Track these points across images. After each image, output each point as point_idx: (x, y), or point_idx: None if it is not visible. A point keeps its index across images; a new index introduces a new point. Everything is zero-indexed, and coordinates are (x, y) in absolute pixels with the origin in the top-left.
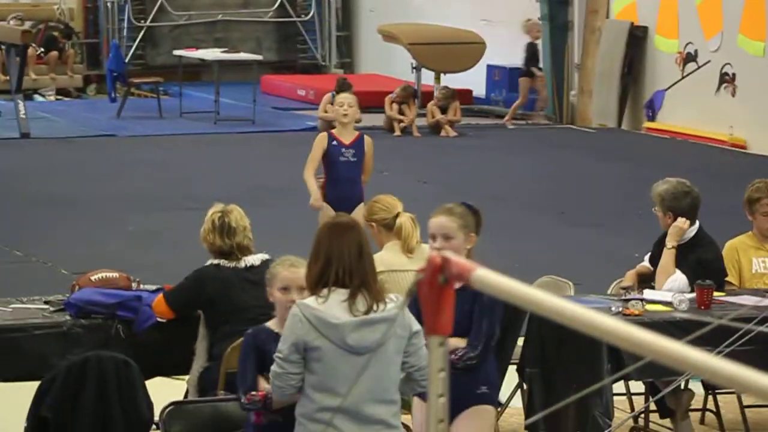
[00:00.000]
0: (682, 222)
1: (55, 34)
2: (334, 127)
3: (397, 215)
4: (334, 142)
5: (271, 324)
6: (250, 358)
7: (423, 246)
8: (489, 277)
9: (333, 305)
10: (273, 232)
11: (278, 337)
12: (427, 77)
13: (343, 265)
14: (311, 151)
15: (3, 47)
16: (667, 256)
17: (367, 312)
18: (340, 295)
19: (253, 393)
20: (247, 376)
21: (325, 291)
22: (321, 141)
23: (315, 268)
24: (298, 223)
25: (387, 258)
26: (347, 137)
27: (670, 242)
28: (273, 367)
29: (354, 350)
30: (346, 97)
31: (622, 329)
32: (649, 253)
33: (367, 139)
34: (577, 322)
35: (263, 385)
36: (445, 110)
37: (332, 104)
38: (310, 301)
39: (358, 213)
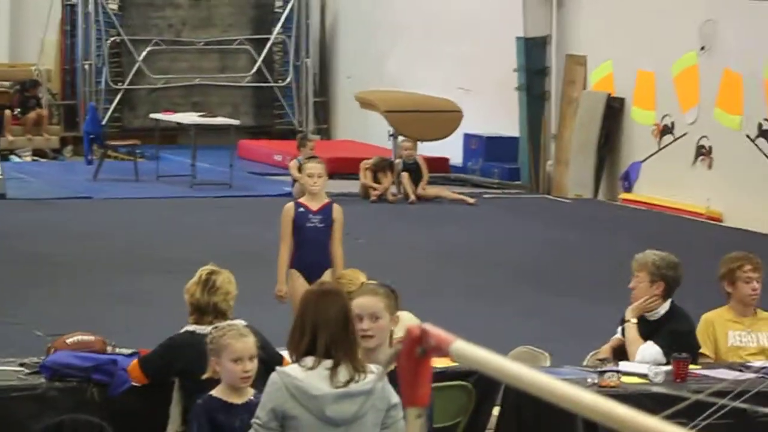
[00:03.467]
0: (650, 301)
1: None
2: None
3: (361, 285)
4: (301, 209)
5: (217, 392)
6: (204, 428)
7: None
8: (466, 350)
9: (315, 376)
10: (247, 298)
11: (227, 406)
12: None
13: (329, 335)
14: (281, 227)
15: None
16: (632, 330)
17: (347, 383)
18: (323, 365)
19: None
20: None
21: (309, 360)
22: (288, 212)
23: (302, 338)
24: (273, 289)
25: None
26: (315, 204)
27: (631, 317)
28: None
29: (332, 422)
30: (315, 167)
31: (598, 404)
32: (620, 327)
33: (336, 207)
34: (554, 395)
35: None
36: (411, 167)
37: (299, 170)
38: (292, 369)
39: (326, 279)
